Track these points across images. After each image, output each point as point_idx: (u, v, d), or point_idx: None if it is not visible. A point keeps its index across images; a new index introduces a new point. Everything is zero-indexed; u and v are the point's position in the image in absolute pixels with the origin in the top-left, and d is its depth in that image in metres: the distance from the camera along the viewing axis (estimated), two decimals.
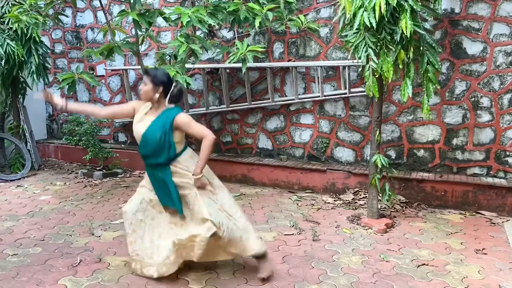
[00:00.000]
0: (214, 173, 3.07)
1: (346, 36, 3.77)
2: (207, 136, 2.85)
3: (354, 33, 3.65)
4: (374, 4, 3.37)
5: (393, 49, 3.57)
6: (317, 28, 5.04)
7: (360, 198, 4.86)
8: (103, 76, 6.77)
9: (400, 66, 3.63)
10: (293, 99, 5.47)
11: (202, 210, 2.81)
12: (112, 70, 6.58)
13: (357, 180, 5.04)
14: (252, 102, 5.68)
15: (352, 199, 4.85)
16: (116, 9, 6.44)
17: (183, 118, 2.87)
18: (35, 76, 5.85)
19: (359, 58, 3.61)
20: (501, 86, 4.58)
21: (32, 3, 4.49)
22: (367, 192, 4.61)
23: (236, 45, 4.52)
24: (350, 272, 3.14)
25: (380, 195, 4.18)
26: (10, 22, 5.36)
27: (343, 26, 3.81)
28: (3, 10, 5.66)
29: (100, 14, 6.64)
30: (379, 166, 4.00)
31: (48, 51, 6.41)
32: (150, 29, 4.56)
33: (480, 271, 3.18)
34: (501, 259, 3.38)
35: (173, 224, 2.97)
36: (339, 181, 5.12)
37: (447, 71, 4.77)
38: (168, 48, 5.51)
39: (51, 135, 7.49)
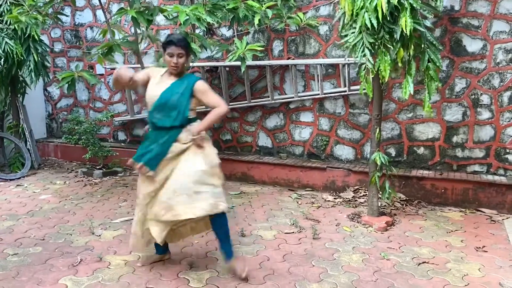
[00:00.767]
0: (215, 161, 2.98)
1: (346, 36, 3.76)
2: (221, 105, 2.90)
3: (352, 33, 3.64)
4: (376, 5, 3.36)
5: (392, 48, 3.57)
6: (317, 24, 5.03)
7: (360, 196, 4.86)
8: (102, 74, 6.76)
9: (400, 65, 3.62)
10: (293, 97, 5.46)
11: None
12: (111, 69, 6.56)
13: (357, 178, 5.04)
14: (252, 100, 5.67)
15: (352, 197, 4.85)
16: (115, 8, 6.42)
17: (203, 85, 2.93)
18: (33, 74, 5.84)
19: (356, 57, 3.60)
20: (501, 84, 4.58)
21: (32, 3, 4.47)
22: (367, 190, 4.60)
23: (235, 43, 4.51)
24: (351, 271, 3.14)
25: (380, 193, 4.18)
26: (9, 21, 5.34)
27: (343, 26, 3.80)
28: (1, 9, 5.64)
29: (99, 12, 6.62)
30: (379, 164, 3.99)
31: (47, 49, 6.39)
32: (149, 27, 4.55)
33: (481, 268, 3.18)
34: (501, 257, 3.38)
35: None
36: (339, 179, 5.12)
37: (447, 68, 4.76)
38: None
39: (50, 134, 7.48)
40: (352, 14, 3.56)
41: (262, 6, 4.30)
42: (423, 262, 3.27)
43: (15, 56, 5.52)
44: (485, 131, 4.70)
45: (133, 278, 3.00)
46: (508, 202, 4.40)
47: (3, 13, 5.59)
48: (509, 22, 4.47)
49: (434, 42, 3.63)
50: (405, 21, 3.35)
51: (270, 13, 4.47)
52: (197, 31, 5.02)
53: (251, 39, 5.63)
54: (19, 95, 6.33)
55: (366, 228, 3.99)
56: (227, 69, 5.75)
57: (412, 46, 3.55)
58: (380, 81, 3.77)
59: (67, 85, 4.55)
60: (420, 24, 3.47)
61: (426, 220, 4.22)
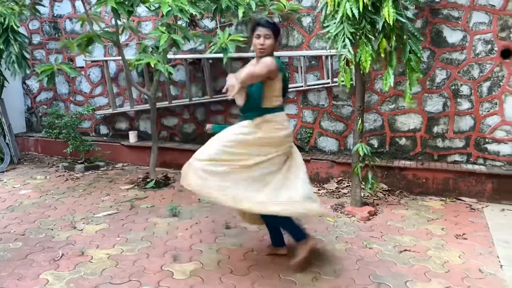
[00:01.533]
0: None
1: (328, 26, 3.75)
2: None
3: (334, 23, 3.64)
4: None
5: (373, 39, 3.58)
6: (301, 8, 5.07)
7: (344, 187, 4.90)
8: (82, 67, 6.63)
9: (382, 55, 3.64)
10: None
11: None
12: (92, 61, 6.44)
13: (340, 169, 5.07)
14: None
15: (336, 188, 4.89)
16: None
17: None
18: (16, 66, 5.64)
19: (337, 48, 3.60)
20: (481, 74, 4.65)
21: None
22: (350, 181, 4.65)
23: (218, 35, 4.48)
24: (334, 260, 3.17)
25: (363, 183, 4.22)
26: None
27: (325, 16, 3.80)
28: None
29: (79, 3, 6.48)
30: (362, 155, 4.03)
31: (26, 40, 6.22)
32: (130, 19, 4.48)
33: (461, 255, 3.25)
34: (481, 244, 3.45)
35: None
36: (323, 170, 5.15)
37: (428, 60, 4.81)
38: (149, 39, 5.43)
39: (30, 128, 7.33)
40: (334, 4, 3.56)
41: None
42: (405, 250, 3.32)
43: None
44: (465, 121, 4.77)
45: (116, 272, 2.97)
46: (487, 191, 4.49)
47: None
48: (489, 13, 4.53)
49: (415, 33, 3.65)
50: (388, 11, 3.35)
51: (253, 4, 4.45)
52: (179, 22, 4.96)
53: (234, 31, 5.58)
54: None
55: (349, 218, 4.03)
56: (211, 61, 5.70)
57: (394, 37, 3.57)
58: (361, 72, 3.79)
59: (46, 78, 4.46)
60: (401, 15, 3.49)
61: (408, 209, 4.28)
